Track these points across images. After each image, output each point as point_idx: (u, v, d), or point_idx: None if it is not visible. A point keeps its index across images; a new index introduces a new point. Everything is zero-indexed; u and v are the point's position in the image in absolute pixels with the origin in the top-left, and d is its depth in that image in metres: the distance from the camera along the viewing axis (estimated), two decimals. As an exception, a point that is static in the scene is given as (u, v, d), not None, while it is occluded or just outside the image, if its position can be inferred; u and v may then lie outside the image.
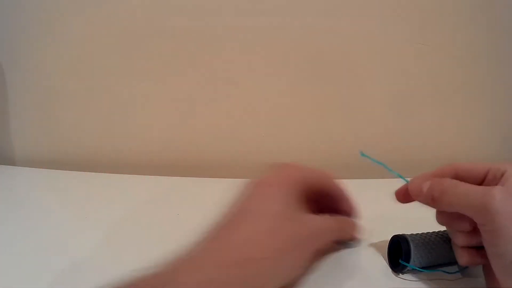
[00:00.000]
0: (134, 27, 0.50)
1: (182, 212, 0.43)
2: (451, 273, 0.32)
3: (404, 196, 0.33)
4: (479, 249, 0.29)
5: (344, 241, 0.36)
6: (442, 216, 0.31)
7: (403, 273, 0.32)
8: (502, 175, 0.29)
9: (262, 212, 0.29)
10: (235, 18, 0.49)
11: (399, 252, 0.32)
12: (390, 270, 0.33)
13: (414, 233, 0.33)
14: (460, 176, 0.31)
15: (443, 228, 0.32)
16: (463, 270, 0.33)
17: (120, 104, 0.55)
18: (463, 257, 0.30)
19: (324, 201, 0.35)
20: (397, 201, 0.33)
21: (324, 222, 0.32)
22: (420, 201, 0.31)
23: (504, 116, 0.55)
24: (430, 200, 0.30)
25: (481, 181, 0.31)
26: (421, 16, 0.49)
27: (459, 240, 0.30)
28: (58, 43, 0.52)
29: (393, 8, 0.49)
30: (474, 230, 0.29)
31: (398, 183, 0.33)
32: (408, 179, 0.33)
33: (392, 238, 0.34)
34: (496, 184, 0.29)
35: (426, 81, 0.53)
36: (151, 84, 0.53)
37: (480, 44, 0.51)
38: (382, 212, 0.38)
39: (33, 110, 0.56)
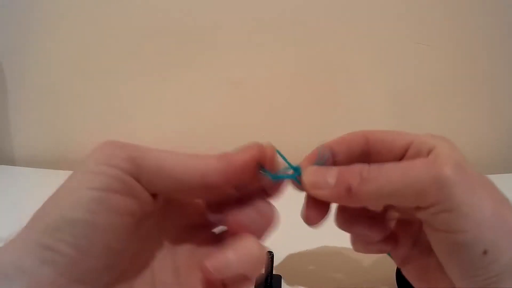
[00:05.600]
0: (134, 27, 0.50)
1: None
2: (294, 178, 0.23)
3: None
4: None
5: None
6: (348, 215, 0.24)
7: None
8: (430, 151, 0.22)
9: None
10: (235, 18, 0.49)
11: None
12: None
13: None
14: (373, 149, 0.24)
15: None
16: None
17: (120, 104, 0.55)
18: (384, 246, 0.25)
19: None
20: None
21: None
22: (323, 197, 0.22)
23: (504, 116, 0.55)
24: (344, 193, 0.21)
25: (400, 156, 0.24)
26: (421, 16, 0.49)
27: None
28: (58, 43, 0.52)
29: (393, 8, 0.49)
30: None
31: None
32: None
33: None
34: None
35: (426, 81, 0.53)
36: (151, 83, 0.53)
37: (480, 44, 0.51)
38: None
39: (33, 110, 0.56)
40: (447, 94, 0.53)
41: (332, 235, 0.34)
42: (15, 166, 0.57)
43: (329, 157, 0.24)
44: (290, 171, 0.23)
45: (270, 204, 0.22)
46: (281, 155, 0.23)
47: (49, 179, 0.52)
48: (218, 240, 0.23)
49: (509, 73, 0.52)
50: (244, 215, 0.21)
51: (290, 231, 0.30)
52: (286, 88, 0.53)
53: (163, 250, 0.22)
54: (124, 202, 0.18)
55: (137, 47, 0.51)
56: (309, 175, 0.23)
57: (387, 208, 0.26)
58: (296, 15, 0.49)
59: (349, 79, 0.52)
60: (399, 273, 0.32)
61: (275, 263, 0.30)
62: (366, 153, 0.25)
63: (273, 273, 0.30)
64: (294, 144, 0.56)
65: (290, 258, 0.34)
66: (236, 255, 0.20)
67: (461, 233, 0.19)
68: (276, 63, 0.52)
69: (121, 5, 0.50)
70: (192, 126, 0.55)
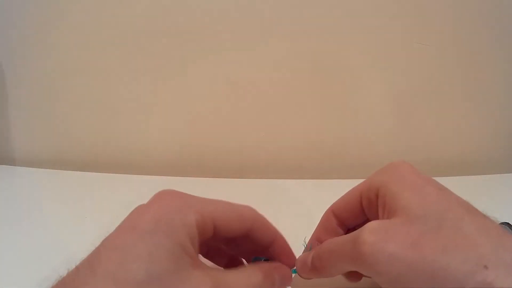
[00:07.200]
0: (134, 27, 0.50)
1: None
2: None
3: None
4: None
5: None
6: None
7: None
8: (377, 195, 0.23)
9: (116, 277, 0.19)
10: (235, 18, 0.49)
11: None
12: None
13: None
14: (344, 221, 0.26)
15: None
16: None
17: (120, 104, 0.55)
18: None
19: (244, 245, 0.26)
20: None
21: (238, 278, 0.22)
22: (315, 277, 0.25)
23: (504, 116, 0.55)
24: (317, 273, 0.24)
25: (362, 215, 0.25)
26: (421, 16, 0.49)
27: None
28: (58, 43, 0.52)
29: (393, 8, 0.49)
30: None
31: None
32: None
33: None
34: (376, 213, 0.23)
35: (426, 81, 0.53)
36: (151, 83, 0.53)
37: (480, 44, 0.51)
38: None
39: (33, 110, 0.56)
40: (447, 94, 0.53)
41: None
42: (15, 166, 0.57)
43: (315, 244, 0.28)
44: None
45: None
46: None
47: (49, 179, 0.52)
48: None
49: (509, 72, 0.52)
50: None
51: (290, 231, 0.30)
52: (285, 88, 0.53)
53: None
54: None
55: (137, 47, 0.51)
56: (298, 261, 0.27)
57: None
58: (296, 14, 0.49)
59: (348, 79, 0.52)
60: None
61: (275, 263, 0.30)
62: (342, 224, 0.27)
63: (273, 273, 0.30)
64: (294, 144, 0.56)
65: (290, 258, 0.34)
66: None
67: None
68: (277, 63, 0.52)
69: (121, 6, 0.49)
70: (192, 126, 0.55)
